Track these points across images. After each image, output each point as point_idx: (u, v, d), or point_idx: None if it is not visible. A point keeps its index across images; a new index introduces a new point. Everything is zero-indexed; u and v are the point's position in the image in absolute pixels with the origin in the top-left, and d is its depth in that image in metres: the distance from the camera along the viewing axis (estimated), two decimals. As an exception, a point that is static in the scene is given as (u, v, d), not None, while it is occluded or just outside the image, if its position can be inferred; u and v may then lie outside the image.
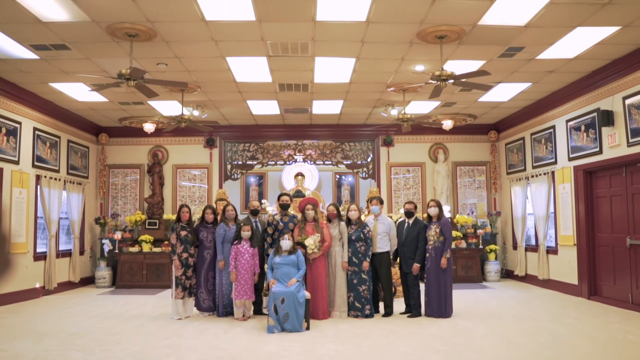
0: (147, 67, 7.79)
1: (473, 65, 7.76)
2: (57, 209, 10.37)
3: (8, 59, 7.42)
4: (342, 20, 6.16)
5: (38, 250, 9.82)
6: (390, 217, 9.05)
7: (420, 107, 10.38)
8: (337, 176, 15.45)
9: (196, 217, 9.48)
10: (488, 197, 12.52)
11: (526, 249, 11.16)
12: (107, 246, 11.38)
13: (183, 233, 7.46)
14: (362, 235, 7.28)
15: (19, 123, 9.11)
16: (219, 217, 7.87)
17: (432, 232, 7.29)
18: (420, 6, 5.76)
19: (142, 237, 11.44)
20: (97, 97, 9.57)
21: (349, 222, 7.46)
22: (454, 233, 11.27)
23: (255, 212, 7.71)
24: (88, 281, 11.62)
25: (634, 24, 6.29)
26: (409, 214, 7.57)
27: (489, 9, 5.85)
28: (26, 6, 5.69)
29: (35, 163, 9.69)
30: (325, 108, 10.75)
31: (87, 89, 8.83)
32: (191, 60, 7.58)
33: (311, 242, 7.06)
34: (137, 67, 7.35)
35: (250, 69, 8.03)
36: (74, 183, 11.13)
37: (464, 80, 6.76)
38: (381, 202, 7.78)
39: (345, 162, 12.86)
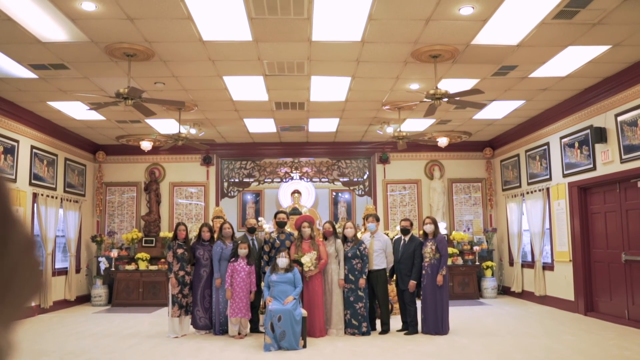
0: (145, 86, 7.87)
1: (467, 84, 7.87)
2: (54, 227, 10.37)
3: (7, 78, 7.49)
4: (337, 41, 6.26)
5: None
6: (387, 234, 9.07)
7: (415, 124, 10.47)
8: (334, 193, 15.50)
9: (193, 234, 9.49)
10: (484, 214, 12.57)
11: (522, 265, 11.18)
12: (104, 264, 11.35)
13: (180, 251, 7.48)
14: (358, 253, 7.30)
15: (17, 141, 9.15)
16: (215, 235, 7.89)
17: (428, 249, 7.32)
18: (414, 27, 5.86)
19: (139, 255, 11.43)
20: (94, 116, 9.63)
21: (345, 239, 7.49)
22: (451, 250, 11.29)
23: (252, 230, 7.73)
24: (84, 299, 11.57)
25: (623, 43, 6.41)
26: (405, 231, 7.60)
27: (481, 29, 5.96)
28: (26, 27, 5.77)
29: (32, 181, 9.71)
30: (322, 126, 10.84)
31: (85, 107, 8.89)
32: (188, 79, 7.66)
33: (307, 260, 7.08)
34: (135, 86, 7.43)
35: (246, 87, 8.12)
36: (70, 201, 11.14)
37: (458, 98, 6.85)
38: (377, 220, 7.82)
39: (341, 180, 12.92)
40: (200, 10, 5.45)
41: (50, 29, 5.84)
